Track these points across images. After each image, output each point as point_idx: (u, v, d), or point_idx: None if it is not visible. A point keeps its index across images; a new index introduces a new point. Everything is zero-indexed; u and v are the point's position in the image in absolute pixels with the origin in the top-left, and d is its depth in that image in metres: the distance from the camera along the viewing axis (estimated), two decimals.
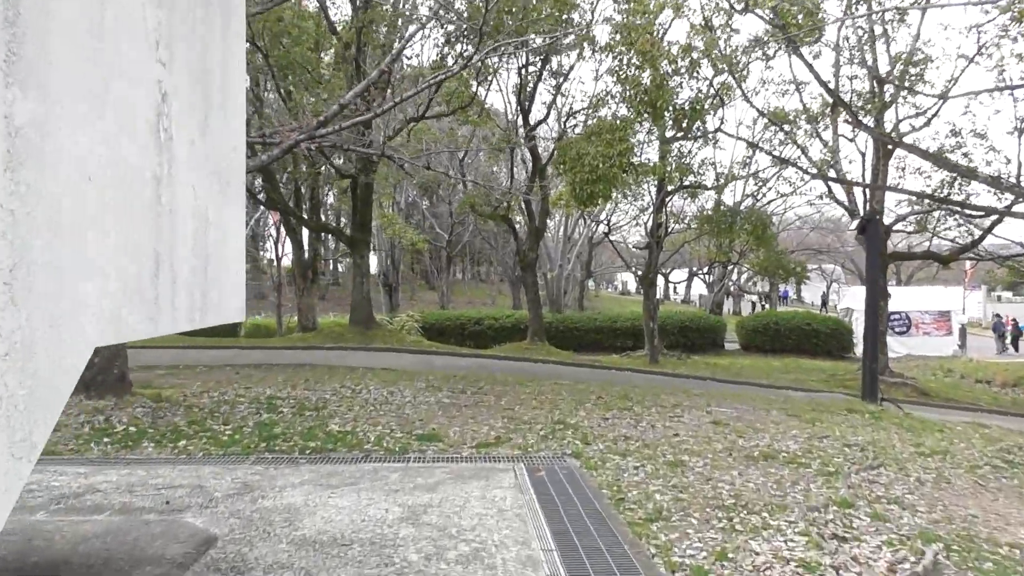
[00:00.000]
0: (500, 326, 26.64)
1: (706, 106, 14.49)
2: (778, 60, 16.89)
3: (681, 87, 14.52)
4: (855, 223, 14.16)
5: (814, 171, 16.01)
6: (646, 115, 13.80)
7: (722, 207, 22.87)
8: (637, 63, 13.13)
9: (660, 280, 38.49)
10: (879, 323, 13.42)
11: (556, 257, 38.38)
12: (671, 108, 14.08)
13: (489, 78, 19.23)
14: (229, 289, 4.28)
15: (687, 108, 14.07)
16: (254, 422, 7.90)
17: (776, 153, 16.22)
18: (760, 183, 15.98)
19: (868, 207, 17.82)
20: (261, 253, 47.43)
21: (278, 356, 16.22)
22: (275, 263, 32.35)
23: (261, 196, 23.04)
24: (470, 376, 13.28)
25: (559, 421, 8.50)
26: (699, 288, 57.42)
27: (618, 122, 14.13)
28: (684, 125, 14.90)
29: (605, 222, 37.03)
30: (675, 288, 66.21)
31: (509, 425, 8.25)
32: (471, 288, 59.15)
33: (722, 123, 16.52)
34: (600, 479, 6.04)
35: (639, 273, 29.50)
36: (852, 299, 33.80)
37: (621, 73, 13.82)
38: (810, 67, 14.99)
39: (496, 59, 18.67)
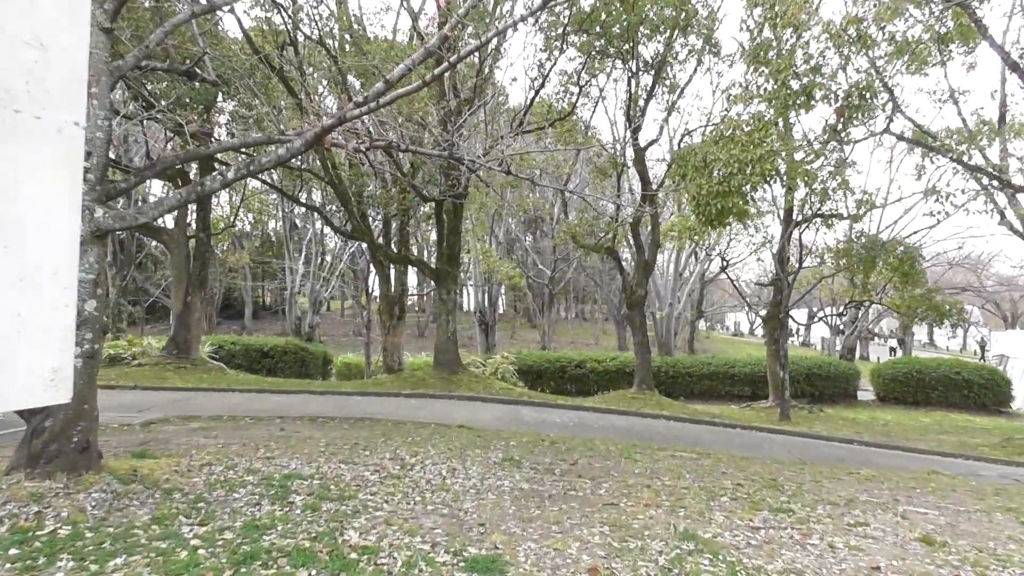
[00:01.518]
0: (604, 369, 24.13)
1: (878, 91, 11.20)
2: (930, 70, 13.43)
3: (844, 70, 11.37)
4: None
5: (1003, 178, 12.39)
6: (797, 106, 10.67)
7: (861, 237, 19.72)
8: (787, 41, 10.18)
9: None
10: None
11: (666, 295, 35.42)
12: (832, 97, 10.93)
13: (591, 83, 17.17)
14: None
15: (854, 96, 10.85)
16: (243, 522, 5.47)
17: (953, 156, 12.63)
18: (937, 196, 12.45)
19: None
20: (363, 286, 46.62)
21: (345, 404, 14.11)
22: (366, 298, 31.13)
23: (348, 227, 21.78)
24: (563, 440, 10.58)
25: (687, 534, 5.67)
26: (820, 330, 53.47)
27: (757, 121, 11.15)
28: (842, 122, 11.65)
29: (719, 256, 33.95)
30: (797, 330, 61.58)
31: (611, 539, 5.51)
32: (574, 327, 57.13)
33: (890, 121, 13.06)
34: None
35: (761, 313, 26.28)
36: (1007, 344, 29.83)
37: (761, 57, 10.84)
38: (991, 40, 11.67)
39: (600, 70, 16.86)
